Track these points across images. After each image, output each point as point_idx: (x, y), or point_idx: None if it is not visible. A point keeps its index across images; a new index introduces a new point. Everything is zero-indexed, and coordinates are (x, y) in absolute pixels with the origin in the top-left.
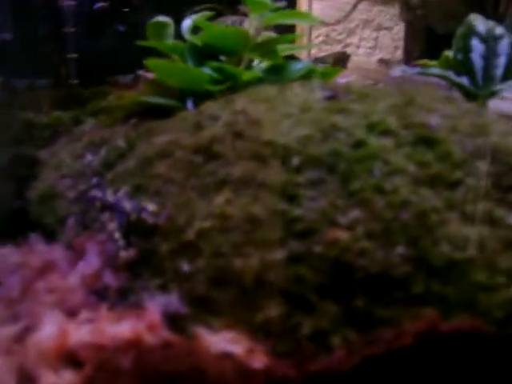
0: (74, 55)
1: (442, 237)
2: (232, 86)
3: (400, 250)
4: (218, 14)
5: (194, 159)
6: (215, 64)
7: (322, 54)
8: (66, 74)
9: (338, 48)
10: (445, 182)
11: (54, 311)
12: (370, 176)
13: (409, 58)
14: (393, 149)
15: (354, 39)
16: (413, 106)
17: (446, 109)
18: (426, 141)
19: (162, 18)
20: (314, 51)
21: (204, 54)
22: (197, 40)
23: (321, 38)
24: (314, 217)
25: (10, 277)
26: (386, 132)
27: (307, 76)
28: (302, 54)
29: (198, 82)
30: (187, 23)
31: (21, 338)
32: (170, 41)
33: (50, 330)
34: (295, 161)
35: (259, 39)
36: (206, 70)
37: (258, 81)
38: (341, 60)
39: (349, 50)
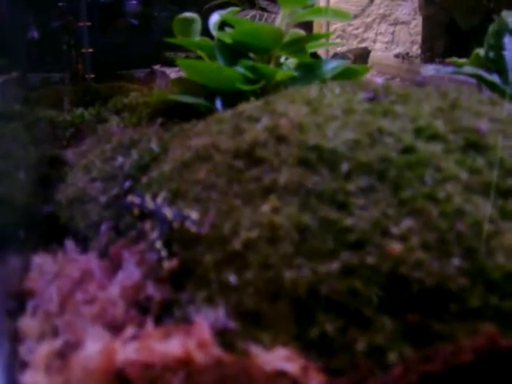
0: (90, 49)
1: (497, 247)
2: (264, 85)
3: (456, 261)
4: None
5: (235, 164)
6: (249, 63)
7: (338, 48)
8: (83, 68)
9: (354, 43)
10: (497, 190)
11: (95, 325)
12: (422, 183)
13: (428, 54)
14: (442, 154)
15: (371, 34)
16: (459, 108)
17: (492, 112)
18: (476, 146)
19: (188, 14)
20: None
21: (234, 51)
22: (226, 37)
23: (337, 33)
24: (365, 227)
25: (47, 288)
26: (435, 137)
27: (341, 75)
28: (320, 50)
29: (229, 81)
30: (214, 19)
31: (62, 354)
32: (197, 37)
33: (94, 346)
34: (344, 167)
35: (289, 37)
36: (239, 69)
37: (290, 80)
38: (362, 56)
39: (365, 45)
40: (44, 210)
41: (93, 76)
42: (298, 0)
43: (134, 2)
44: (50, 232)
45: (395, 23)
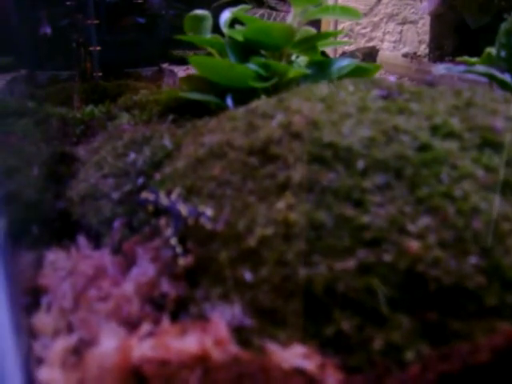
0: (97, 48)
1: None
2: (276, 82)
3: (473, 259)
4: None
5: (249, 161)
6: (261, 60)
7: (346, 47)
8: (91, 66)
9: (362, 42)
10: None
11: (110, 322)
12: (438, 181)
13: (438, 53)
14: (459, 152)
15: (378, 33)
16: (474, 107)
17: (507, 110)
18: (492, 144)
19: (199, 12)
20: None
21: (245, 49)
22: (238, 35)
23: (345, 32)
24: (382, 224)
25: (60, 284)
26: (451, 134)
27: (352, 73)
28: (328, 48)
29: (242, 78)
30: (226, 16)
31: (77, 350)
32: (208, 35)
33: (110, 343)
34: (360, 164)
35: (300, 35)
36: (252, 66)
37: (302, 77)
38: (370, 55)
39: (372, 44)
40: (56, 206)
41: (100, 74)
42: None
43: (142, 0)
44: (63, 228)
45: (403, 22)
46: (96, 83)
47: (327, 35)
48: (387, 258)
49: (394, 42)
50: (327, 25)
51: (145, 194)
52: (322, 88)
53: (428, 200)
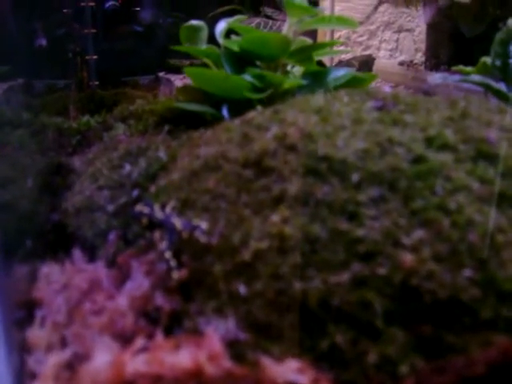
0: (94, 56)
1: (508, 258)
2: (272, 93)
3: (467, 272)
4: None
5: (244, 173)
6: (256, 71)
7: (343, 55)
8: (87, 75)
9: (358, 50)
10: (509, 200)
11: (103, 336)
12: (433, 194)
13: (434, 62)
14: (453, 164)
15: (375, 41)
16: (469, 118)
17: (502, 121)
18: (487, 156)
19: (195, 22)
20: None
21: (241, 59)
22: (233, 45)
23: (341, 40)
24: (377, 237)
25: (55, 298)
26: (445, 146)
27: (348, 83)
28: (324, 57)
29: (237, 89)
30: (221, 27)
31: (71, 365)
32: (204, 45)
33: (103, 358)
34: (355, 177)
35: (296, 45)
36: (247, 78)
37: (298, 88)
38: (366, 63)
39: (369, 53)
40: (51, 218)
41: (97, 83)
42: (306, 9)
43: (138, 9)
44: (57, 240)
45: (399, 30)
46: (93, 92)
47: (323, 45)
48: (382, 271)
49: (391, 50)
50: (324, 33)
51: (139, 207)
52: (318, 99)
53: (422, 212)
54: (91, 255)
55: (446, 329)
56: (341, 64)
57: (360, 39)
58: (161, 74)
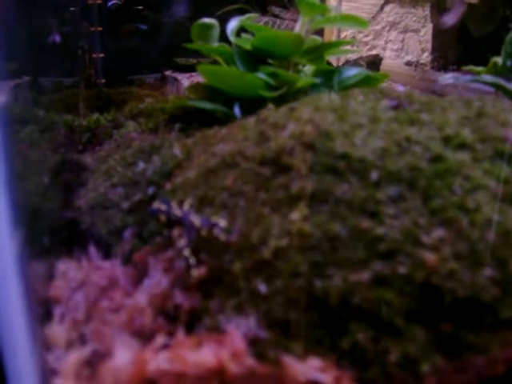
0: (101, 54)
1: None
2: (285, 92)
3: (487, 271)
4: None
5: (261, 171)
6: (270, 69)
7: (349, 55)
8: (95, 73)
9: (364, 50)
10: None
11: (123, 334)
12: (452, 193)
13: (442, 62)
14: (471, 164)
15: (381, 41)
16: (485, 117)
17: None
18: (505, 155)
19: (207, 20)
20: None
21: (253, 57)
22: (245, 43)
23: (351, 40)
24: (397, 236)
25: (72, 295)
26: (463, 145)
27: (360, 82)
28: (331, 57)
29: (251, 87)
30: (233, 25)
31: (91, 362)
32: (215, 43)
33: (124, 356)
34: (373, 176)
35: (308, 44)
36: (261, 76)
37: (310, 87)
38: (373, 63)
39: (375, 52)
40: (64, 215)
41: (104, 81)
42: (320, 7)
43: (142, 7)
44: (71, 237)
45: (405, 31)
46: (99, 90)
47: (335, 45)
48: (402, 270)
49: (397, 50)
50: (330, 33)
51: (157, 204)
52: (332, 98)
53: (442, 211)
54: (106, 252)
55: (466, 328)
56: (348, 64)
57: (366, 39)
58: (167, 73)
